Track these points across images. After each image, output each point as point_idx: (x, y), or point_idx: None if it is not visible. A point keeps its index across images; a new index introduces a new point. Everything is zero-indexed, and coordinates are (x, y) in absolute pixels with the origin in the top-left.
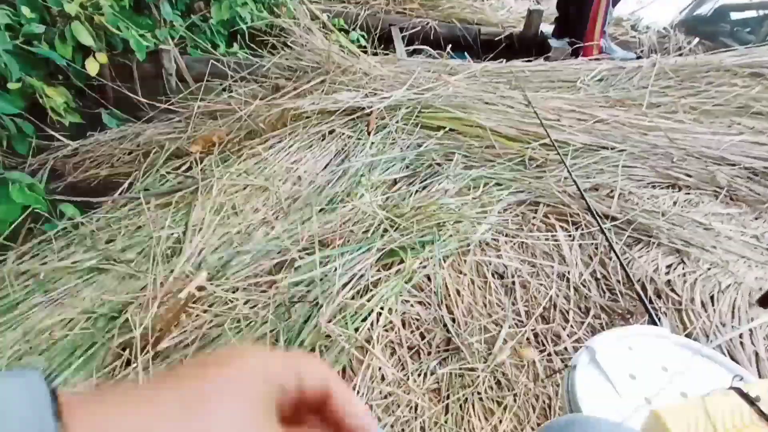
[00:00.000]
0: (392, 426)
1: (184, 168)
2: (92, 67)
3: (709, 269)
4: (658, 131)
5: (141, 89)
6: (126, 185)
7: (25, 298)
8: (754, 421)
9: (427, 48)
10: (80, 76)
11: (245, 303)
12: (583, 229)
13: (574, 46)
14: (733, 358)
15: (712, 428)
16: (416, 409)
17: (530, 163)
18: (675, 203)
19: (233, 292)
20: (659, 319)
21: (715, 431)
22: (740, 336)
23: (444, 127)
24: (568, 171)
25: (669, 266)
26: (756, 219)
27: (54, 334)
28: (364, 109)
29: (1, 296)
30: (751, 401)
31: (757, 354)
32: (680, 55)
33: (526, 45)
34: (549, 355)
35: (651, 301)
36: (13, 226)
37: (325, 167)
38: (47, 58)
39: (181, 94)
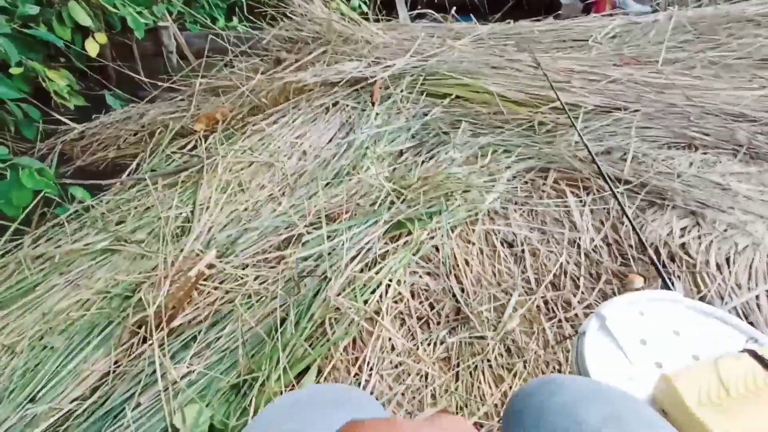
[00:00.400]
0: (403, 395)
1: (189, 147)
2: (92, 48)
3: (725, 231)
4: (674, 89)
5: (142, 68)
6: (133, 166)
7: (42, 280)
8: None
9: (431, 12)
10: (81, 57)
11: (255, 279)
12: (594, 194)
13: (586, 2)
14: (748, 321)
15: (724, 392)
16: (426, 378)
17: (540, 128)
18: (691, 164)
19: (243, 269)
20: (672, 283)
21: (728, 395)
22: (756, 298)
23: (450, 95)
24: (579, 135)
25: (683, 229)
26: None
27: (71, 314)
28: (367, 79)
29: (20, 279)
30: (765, 364)
31: None
32: (699, 5)
33: (534, 4)
34: (559, 321)
35: (664, 265)
36: (26, 211)
37: (330, 140)
38: (46, 41)
39: (183, 72)
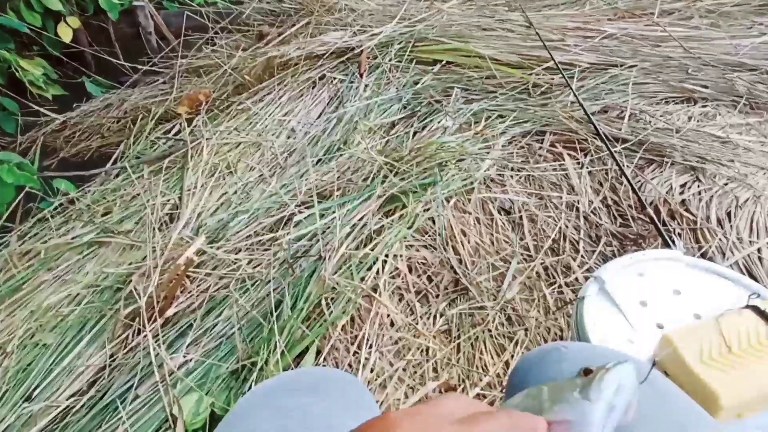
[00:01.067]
0: (404, 370)
1: (173, 131)
2: (65, 33)
3: (726, 185)
4: (671, 41)
5: (121, 52)
6: (118, 154)
7: (30, 277)
8: None
9: None
10: (55, 44)
11: (248, 263)
12: (592, 156)
13: None
14: (750, 275)
15: (726, 349)
16: (427, 352)
17: (534, 90)
18: (690, 118)
19: (236, 253)
20: (673, 241)
21: (730, 352)
22: (758, 251)
23: (440, 61)
24: (575, 94)
25: (683, 185)
26: None
27: (62, 310)
28: (353, 49)
29: (7, 278)
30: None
31: None
32: None
33: None
34: (560, 287)
35: (664, 224)
36: (10, 207)
37: (319, 116)
38: (17, 29)
39: (163, 53)
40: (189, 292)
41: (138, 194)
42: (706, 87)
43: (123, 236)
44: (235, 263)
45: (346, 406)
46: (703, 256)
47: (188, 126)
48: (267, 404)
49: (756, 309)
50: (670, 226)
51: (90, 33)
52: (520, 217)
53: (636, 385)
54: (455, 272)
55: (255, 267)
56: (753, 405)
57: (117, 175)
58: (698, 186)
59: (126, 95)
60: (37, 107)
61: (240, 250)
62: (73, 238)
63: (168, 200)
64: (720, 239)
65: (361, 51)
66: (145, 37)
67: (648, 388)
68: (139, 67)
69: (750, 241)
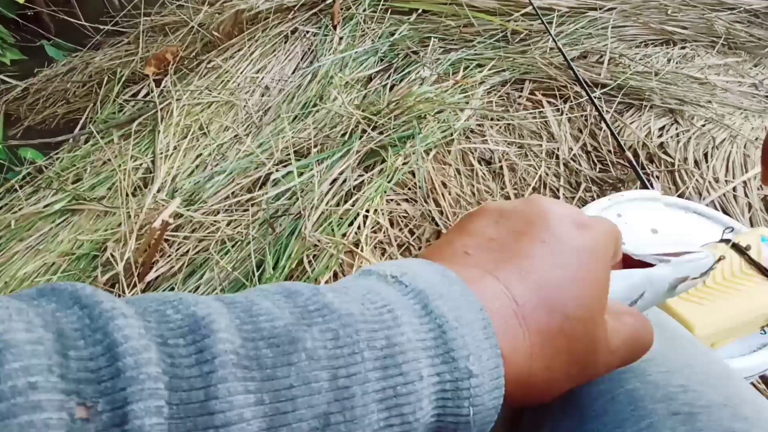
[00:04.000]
0: None
1: (142, 93)
2: None
3: (703, 125)
4: None
5: (82, 13)
6: (85, 120)
7: (2, 249)
8: (744, 270)
9: None
10: (8, 5)
11: (228, 224)
12: (571, 102)
13: None
14: (726, 213)
15: (701, 283)
16: None
17: (513, 37)
18: (669, 60)
19: (214, 215)
20: (651, 184)
21: (705, 285)
22: (734, 189)
23: (416, 9)
24: (554, 40)
25: (662, 129)
26: (755, 66)
27: (37, 280)
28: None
29: None
30: (741, 251)
31: (750, 205)
32: None
33: None
34: None
35: (643, 167)
36: None
37: (294, 72)
38: None
39: (125, 11)
40: (168, 256)
41: (108, 159)
42: (685, 28)
43: (96, 203)
44: (213, 225)
45: None
46: (680, 196)
47: (157, 87)
48: None
49: (730, 242)
50: (649, 169)
51: None
52: (501, 167)
53: (701, 275)
54: (437, 224)
55: (234, 228)
56: (726, 335)
57: (86, 141)
58: (676, 128)
59: (89, 58)
60: None
61: (218, 212)
62: (44, 207)
63: (140, 164)
64: (697, 180)
65: (334, 1)
66: None
67: (656, 329)
68: (102, 27)
69: (726, 181)
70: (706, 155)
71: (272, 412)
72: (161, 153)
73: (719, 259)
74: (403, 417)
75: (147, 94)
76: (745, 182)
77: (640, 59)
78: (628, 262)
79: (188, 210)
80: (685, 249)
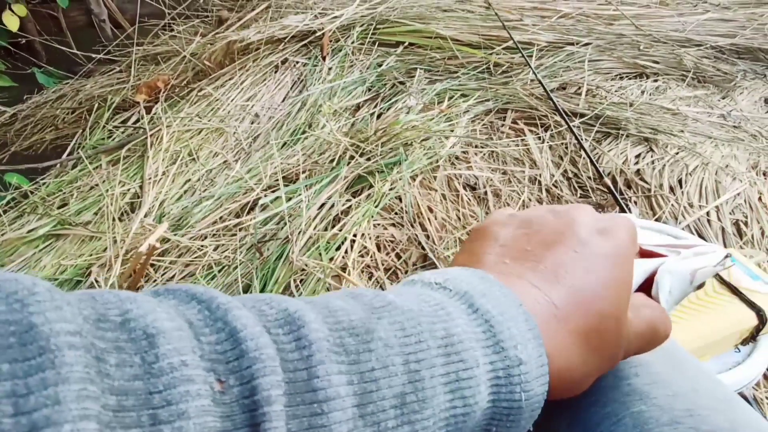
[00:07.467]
0: None
1: (132, 120)
2: (11, 22)
3: (677, 153)
4: (623, 20)
5: (74, 41)
6: (73, 146)
7: None
8: (717, 290)
9: None
10: (0, 34)
11: (215, 249)
12: (552, 131)
13: None
14: (701, 236)
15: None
16: None
17: (495, 69)
18: (643, 92)
19: (201, 240)
20: (629, 209)
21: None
22: (707, 214)
23: (403, 42)
24: (534, 72)
25: (638, 156)
26: (723, 98)
27: None
28: (315, 32)
29: None
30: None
31: (723, 229)
32: None
33: None
34: None
35: (621, 192)
36: None
37: (283, 100)
38: None
39: (117, 40)
40: (154, 281)
41: (96, 185)
42: (657, 62)
43: (81, 227)
44: (200, 250)
45: None
46: (657, 221)
47: (147, 114)
48: None
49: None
50: (627, 194)
51: (39, 22)
52: (485, 192)
53: (714, 268)
54: (423, 248)
55: (222, 253)
56: (701, 353)
57: (73, 167)
58: (651, 156)
59: (80, 85)
60: None
61: (206, 237)
62: (28, 232)
63: (128, 189)
64: (673, 204)
65: (323, 34)
66: (99, 24)
67: (660, 352)
68: (94, 55)
69: (699, 206)
70: (680, 181)
71: (360, 391)
72: (150, 178)
73: (728, 255)
74: (465, 400)
75: (137, 121)
76: (717, 207)
77: (615, 91)
78: (640, 252)
79: (175, 235)
80: (693, 242)
